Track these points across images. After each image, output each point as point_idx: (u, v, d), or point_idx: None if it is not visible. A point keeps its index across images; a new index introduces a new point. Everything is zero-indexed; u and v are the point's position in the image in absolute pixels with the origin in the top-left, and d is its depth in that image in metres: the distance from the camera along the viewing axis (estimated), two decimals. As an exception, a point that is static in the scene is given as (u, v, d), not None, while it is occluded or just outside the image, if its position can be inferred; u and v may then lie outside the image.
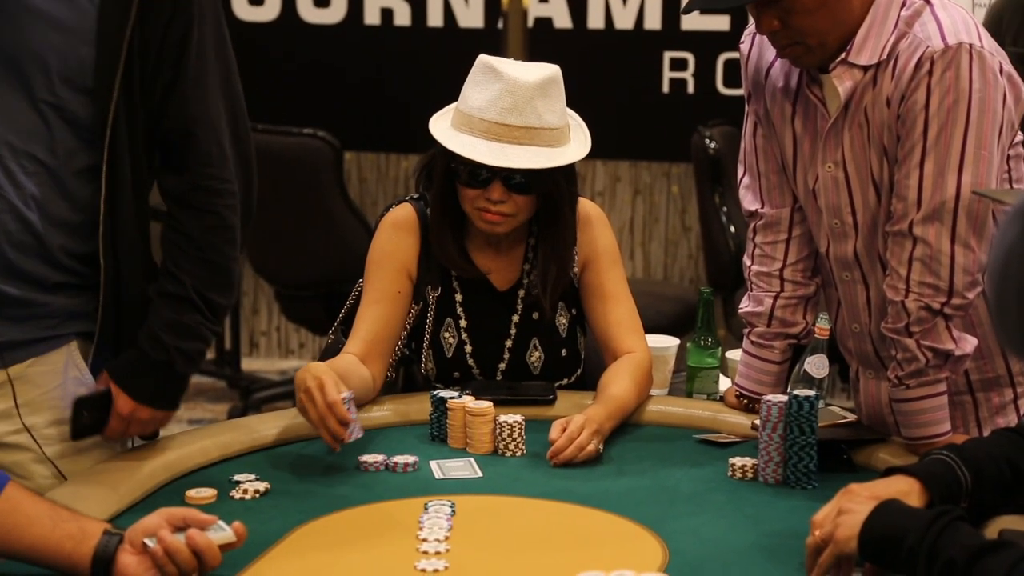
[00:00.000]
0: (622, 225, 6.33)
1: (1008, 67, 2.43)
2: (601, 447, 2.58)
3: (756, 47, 2.66)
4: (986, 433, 2.63)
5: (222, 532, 2.02)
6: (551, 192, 2.82)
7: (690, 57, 6.03)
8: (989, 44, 2.41)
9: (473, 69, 2.81)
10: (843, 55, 2.46)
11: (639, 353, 2.87)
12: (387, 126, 6.32)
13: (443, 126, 2.83)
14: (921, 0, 2.45)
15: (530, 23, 6.14)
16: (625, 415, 2.73)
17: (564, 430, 2.56)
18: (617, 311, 2.92)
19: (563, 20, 6.14)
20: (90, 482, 2.34)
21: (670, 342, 3.41)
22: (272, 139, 5.48)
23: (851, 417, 2.62)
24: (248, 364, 6.62)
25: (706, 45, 5.99)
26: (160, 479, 2.42)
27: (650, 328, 5.25)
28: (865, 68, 2.46)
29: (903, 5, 2.45)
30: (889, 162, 2.49)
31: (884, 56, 2.45)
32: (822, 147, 2.56)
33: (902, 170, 2.45)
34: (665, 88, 6.10)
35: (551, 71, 2.80)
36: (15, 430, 2.42)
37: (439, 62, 6.12)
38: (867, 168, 2.52)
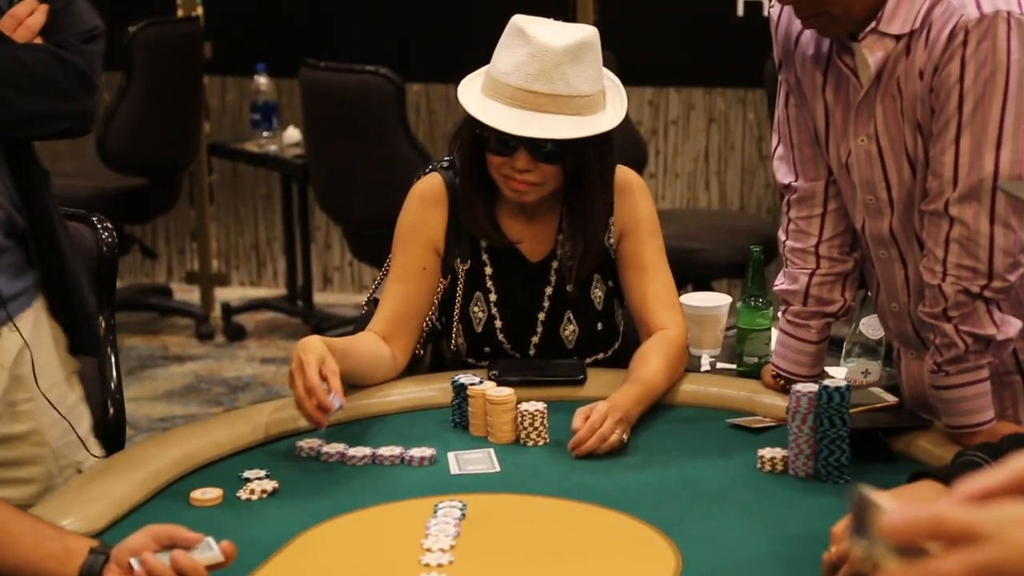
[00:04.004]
0: (696, 155, 6.17)
1: (1052, 34, 2.25)
2: (626, 436, 2.48)
3: (786, 12, 2.50)
4: (1037, 416, 2.50)
5: (209, 552, 1.94)
6: (579, 163, 2.70)
7: (765, -21, 5.82)
8: (1029, 11, 2.23)
9: (505, 31, 2.69)
10: (873, 23, 2.30)
11: (673, 329, 2.75)
12: (452, 55, 6.20)
13: (472, 90, 2.72)
14: (957, -37, 2.28)
15: (600, -53, 5.97)
16: (655, 398, 2.62)
17: (587, 419, 2.46)
18: (654, 283, 2.80)
19: (634, -57, 5.95)
20: (90, 485, 2.28)
21: (721, 300, 3.30)
22: (333, 76, 5.40)
23: (892, 400, 2.49)
24: (323, 298, 6.59)
25: (782, -34, 5.77)
26: (168, 476, 2.35)
27: (727, 265, 5.18)
28: (897, 37, 2.30)
29: (938, -32, 2.29)
30: (923, 137, 2.33)
31: (917, 25, 2.28)
32: (854, 119, 2.41)
33: (937, 146, 2.30)
34: (740, 11, 5.90)
35: (584, 34, 2.64)
36: (28, 397, 2.46)
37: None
38: (901, 142, 2.36)
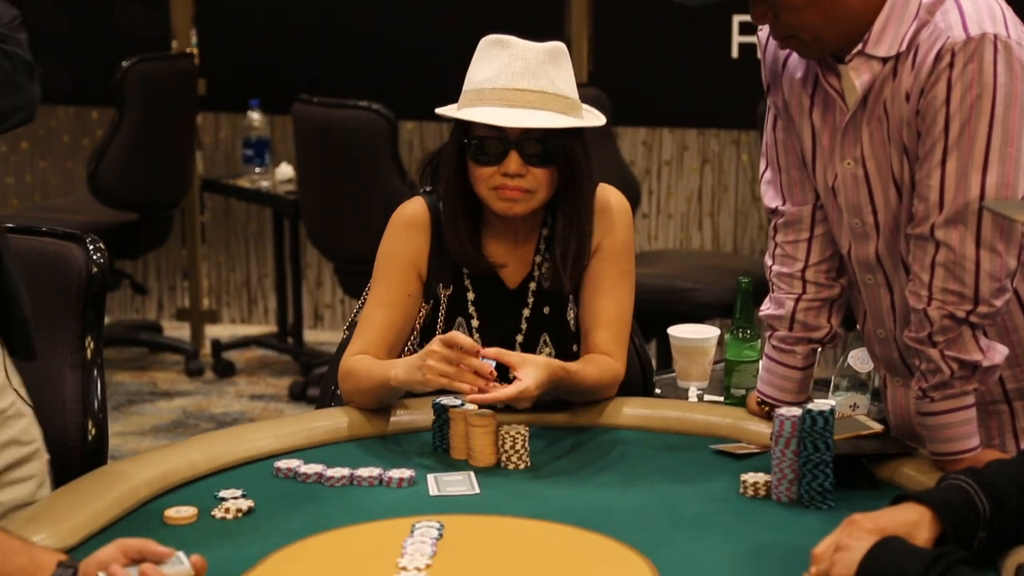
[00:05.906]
0: (690, 195, 6.16)
1: (1039, 57, 2.24)
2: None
3: (773, 35, 2.49)
4: (1023, 445, 2.47)
5: (180, 566, 1.91)
6: (569, 162, 2.69)
7: (759, 21, 5.81)
8: (1017, 33, 2.22)
9: (477, 50, 2.74)
10: (860, 46, 2.29)
11: (617, 363, 2.74)
12: (447, 93, 6.18)
13: (452, 109, 2.75)
14: (943, -14, 2.27)
15: (595, -13, 5.98)
16: (568, 388, 2.65)
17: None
18: (608, 310, 2.77)
19: (629, -17, 5.97)
20: (64, 501, 2.25)
21: (710, 332, 3.28)
22: (327, 112, 5.38)
23: (878, 428, 2.46)
24: (313, 336, 6.56)
25: (776, 8, 5.78)
26: (143, 495, 2.32)
27: (719, 305, 5.14)
28: (884, 60, 2.29)
29: (924, -9, 2.28)
30: (910, 160, 2.32)
31: (904, 47, 2.27)
32: (840, 142, 2.40)
33: (923, 169, 2.28)
34: (734, 53, 5.91)
35: (559, 43, 2.72)
36: (11, 402, 2.39)
37: (502, 26, 5.96)
38: (887, 165, 2.35)
